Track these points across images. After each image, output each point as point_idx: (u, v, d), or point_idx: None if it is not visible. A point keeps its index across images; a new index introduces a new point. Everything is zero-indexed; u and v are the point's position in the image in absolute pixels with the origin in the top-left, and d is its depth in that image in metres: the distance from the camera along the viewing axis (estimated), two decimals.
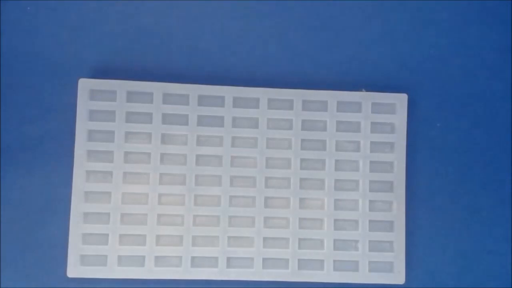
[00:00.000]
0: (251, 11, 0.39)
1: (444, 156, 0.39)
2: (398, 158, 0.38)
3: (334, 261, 0.37)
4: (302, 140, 0.38)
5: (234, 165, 0.37)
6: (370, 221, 0.38)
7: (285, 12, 0.39)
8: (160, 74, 0.38)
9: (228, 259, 0.37)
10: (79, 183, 0.36)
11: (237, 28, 0.39)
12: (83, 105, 0.37)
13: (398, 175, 0.38)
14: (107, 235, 0.36)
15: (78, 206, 0.36)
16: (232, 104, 0.37)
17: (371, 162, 0.38)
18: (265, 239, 0.37)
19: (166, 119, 0.37)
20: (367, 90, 0.38)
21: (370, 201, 0.38)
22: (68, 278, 0.36)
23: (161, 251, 0.36)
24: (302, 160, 0.38)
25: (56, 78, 0.38)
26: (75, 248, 0.36)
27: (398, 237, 0.37)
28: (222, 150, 0.37)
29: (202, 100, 0.37)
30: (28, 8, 0.38)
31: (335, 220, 0.37)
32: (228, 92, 0.37)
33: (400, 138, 0.38)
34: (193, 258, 0.37)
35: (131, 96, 0.37)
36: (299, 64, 0.39)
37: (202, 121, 0.37)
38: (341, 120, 0.38)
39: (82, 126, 0.37)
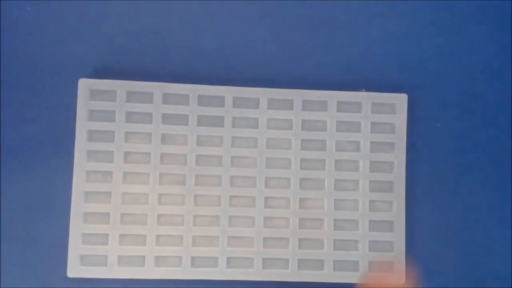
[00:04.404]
0: (251, 11, 0.39)
1: (444, 156, 0.39)
2: (398, 158, 0.38)
3: (334, 261, 0.37)
4: (302, 140, 0.38)
5: (234, 165, 0.37)
6: (370, 221, 0.38)
7: (285, 12, 0.39)
8: (160, 74, 0.38)
9: (228, 259, 0.37)
10: (79, 183, 0.36)
11: (237, 28, 0.39)
12: (83, 105, 0.37)
13: (398, 175, 0.38)
14: (107, 235, 0.36)
15: (78, 206, 0.36)
16: (232, 104, 0.37)
17: (371, 162, 0.38)
18: (265, 239, 0.37)
19: (166, 119, 0.37)
20: (367, 90, 0.38)
21: (370, 201, 0.38)
22: (68, 278, 0.36)
23: (161, 251, 0.36)
24: (302, 160, 0.38)
25: (56, 78, 0.38)
26: (75, 248, 0.36)
27: (398, 237, 0.37)
28: (222, 150, 0.37)
29: (202, 100, 0.37)
30: (28, 8, 0.38)
31: (335, 220, 0.37)
32: (228, 92, 0.37)
33: (400, 138, 0.38)
34: (193, 258, 0.37)
35: (131, 96, 0.37)
36: (299, 64, 0.39)
37: (202, 121, 0.37)
38: (341, 120, 0.38)
39: (82, 126, 0.37)
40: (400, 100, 0.38)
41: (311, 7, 0.39)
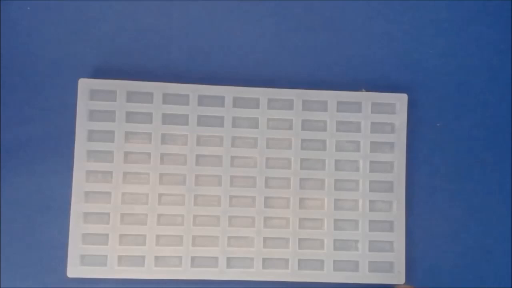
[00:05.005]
0: (251, 11, 0.39)
1: (444, 156, 0.39)
2: (398, 158, 0.38)
3: (334, 261, 0.37)
4: (302, 140, 0.38)
5: (234, 165, 0.37)
6: (370, 221, 0.38)
7: (285, 12, 0.39)
8: (160, 74, 0.38)
9: (228, 259, 0.37)
10: (79, 183, 0.36)
11: (237, 28, 0.39)
12: (83, 105, 0.37)
13: (398, 175, 0.38)
14: (107, 235, 0.36)
15: (78, 206, 0.36)
16: (232, 104, 0.37)
17: (371, 162, 0.38)
18: (265, 239, 0.37)
19: (166, 119, 0.37)
20: (367, 90, 0.38)
21: (370, 201, 0.38)
22: (68, 278, 0.36)
23: (161, 251, 0.36)
24: (302, 160, 0.38)
25: (56, 78, 0.38)
26: (75, 248, 0.36)
27: (398, 237, 0.37)
28: (222, 150, 0.37)
29: (202, 100, 0.37)
30: (28, 8, 0.38)
31: (335, 220, 0.37)
32: (228, 92, 0.37)
33: (400, 138, 0.38)
34: (193, 258, 0.37)
35: (131, 96, 0.37)
36: (299, 64, 0.39)
37: (202, 121, 0.37)
38: (341, 120, 0.38)
39: (82, 126, 0.37)
40: (400, 100, 0.38)
41: (311, 7, 0.39)
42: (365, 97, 0.38)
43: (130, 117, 0.37)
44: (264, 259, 0.37)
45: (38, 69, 0.38)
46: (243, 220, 0.37)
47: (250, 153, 0.37)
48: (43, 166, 0.37)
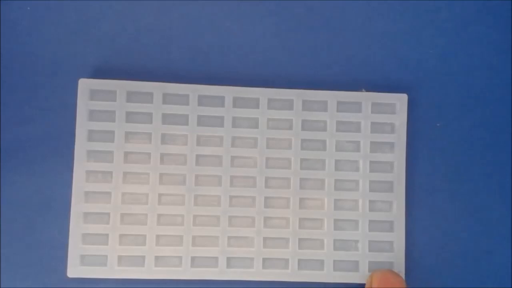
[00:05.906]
0: (251, 11, 0.39)
1: (444, 156, 0.39)
2: (398, 158, 0.38)
3: (334, 261, 0.37)
4: (302, 140, 0.38)
5: (234, 165, 0.37)
6: (370, 221, 0.38)
7: (285, 12, 0.39)
8: (160, 74, 0.38)
9: (228, 259, 0.37)
10: (79, 183, 0.36)
11: (237, 28, 0.39)
12: (83, 105, 0.37)
13: (398, 175, 0.38)
14: (107, 235, 0.36)
15: (78, 206, 0.36)
16: (232, 104, 0.37)
17: (371, 162, 0.38)
18: (265, 239, 0.37)
19: (166, 119, 0.37)
20: (367, 90, 0.38)
21: (370, 201, 0.38)
22: (68, 278, 0.36)
23: (161, 251, 0.36)
24: (302, 160, 0.38)
25: (56, 78, 0.38)
26: (75, 248, 0.36)
27: (398, 237, 0.37)
28: (222, 150, 0.37)
29: (202, 100, 0.37)
30: (28, 8, 0.38)
31: (335, 220, 0.37)
32: (228, 92, 0.37)
33: (400, 138, 0.38)
34: (193, 258, 0.37)
35: (131, 96, 0.37)
36: (299, 64, 0.39)
37: (202, 121, 0.37)
38: (341, 120, 0.38)
39: (82, 126, 0.37)
40: (400, 100, 0.38)
41: (311, 7, 0.39)
42: (365, 97, 0.38)
43: (130, 117, 0.37)
44: (264, 259, 0.37)
45: (38, 69, 0.38)
46: (243, 220, 0.37)
47: (250, 153, 0.37)
48: (43, 166, 0.37)
